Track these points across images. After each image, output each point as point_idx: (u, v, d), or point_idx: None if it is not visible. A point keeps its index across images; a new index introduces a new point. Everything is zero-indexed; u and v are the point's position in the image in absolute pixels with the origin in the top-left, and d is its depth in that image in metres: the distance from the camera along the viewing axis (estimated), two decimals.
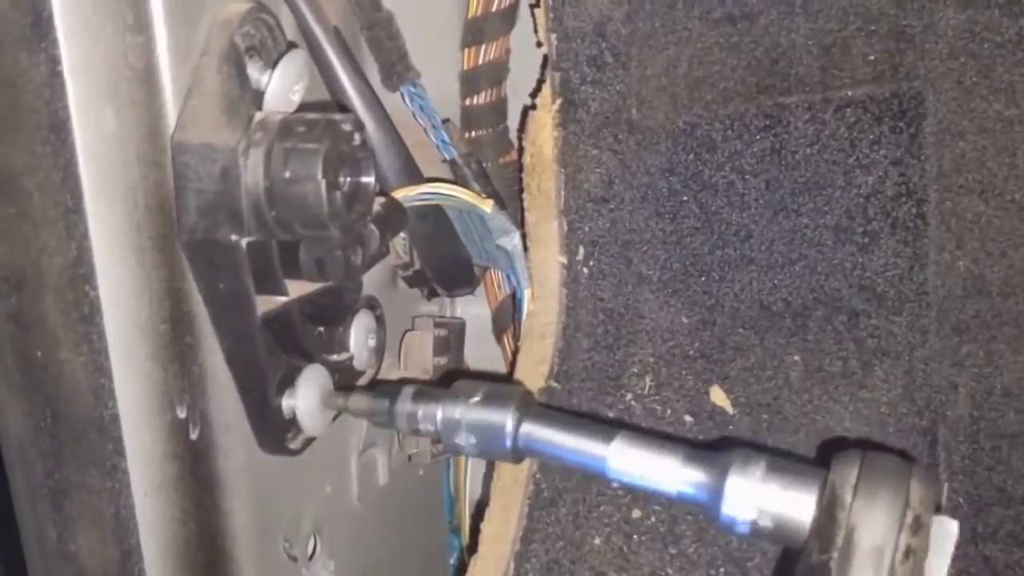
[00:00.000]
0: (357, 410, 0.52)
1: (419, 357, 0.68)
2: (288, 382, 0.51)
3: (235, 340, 0.47)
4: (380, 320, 0.61)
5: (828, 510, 0.40)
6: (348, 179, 0.44)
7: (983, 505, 0.69)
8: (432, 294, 0.71)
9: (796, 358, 0.69)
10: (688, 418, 0.68)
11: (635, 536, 0.63)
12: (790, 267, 0.69)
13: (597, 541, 0.62)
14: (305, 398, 0.51)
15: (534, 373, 0.65)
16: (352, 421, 0.61)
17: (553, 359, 0.64)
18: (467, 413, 0.48)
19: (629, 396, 0.68)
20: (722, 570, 0.63)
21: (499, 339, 0.74)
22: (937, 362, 0.69)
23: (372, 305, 0.61)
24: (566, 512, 0.60)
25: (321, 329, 0.55)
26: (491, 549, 0.56)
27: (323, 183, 0.42)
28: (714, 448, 0.46)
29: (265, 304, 0.47)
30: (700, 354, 0.70)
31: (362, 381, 0.60)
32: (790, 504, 0.41)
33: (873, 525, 0.39)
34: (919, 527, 0.39)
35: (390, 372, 0.66)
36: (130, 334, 0.44)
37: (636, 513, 0.64)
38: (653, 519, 0.64)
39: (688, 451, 0.45)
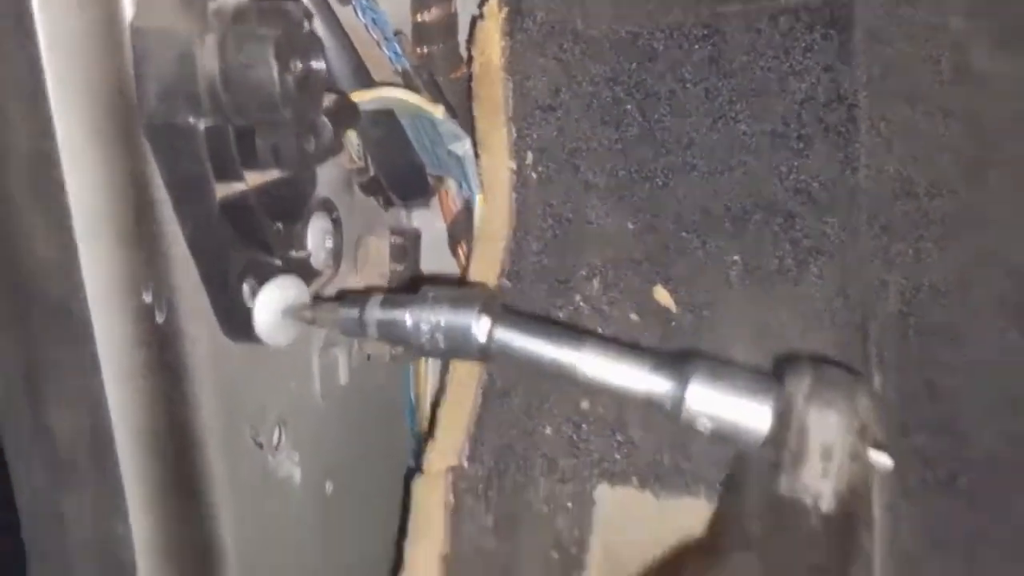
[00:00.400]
0: (327, 321, 0.53)
1: (377, 263, 0.70)
2: (250, 273, 0.53)
3: (196, 225, 0.49)
4: (337, 223, 0.64)
5: (782, 416, 0.44)
6: (299, 64, 0.47)
7: (912, 397, 0.74)
8: (388, 203, 0.73)
9: (735, 258, 0.72)
10: (634, 317, 0.71)
11: (584, 425, 0.66)
12: (729, 173, 0.73)
13: (548, 431, 0.65)
14: (270, 310, 0.53)
15: (486, 274, 0.68)
16: None
17: (504, 261, 0.67)
18: (436, 317, 0.50)
19: (578, 297, 0.71)
20: (667, 455, 0.67)
21: (454, 251, 0.77)
22: (868, 261, 0.73)
23: (328, 208, 0.63)
24: (519, 403, 0.64)
25: (280, 225, 0.57)
26: (447, 435, 0.59)
27: (275, 66, 0.44)
28: (675, 354, 0.49)
29: (224, 190, 0.49)
30: (645, 257, 0.73)
31: (321, 282, 0.62)
32: (747, 413, 0.45)
33: (825, 428, 0.43)
34: (865, 435, 0.43)
35: (347, 278, 0.68)
36: (95, 218, 0.46)
37: (585, 404, 0.67)
38: (601, 409, 0.67)
39: (653, 360, 0.48)
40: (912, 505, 0.71)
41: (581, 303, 0.71)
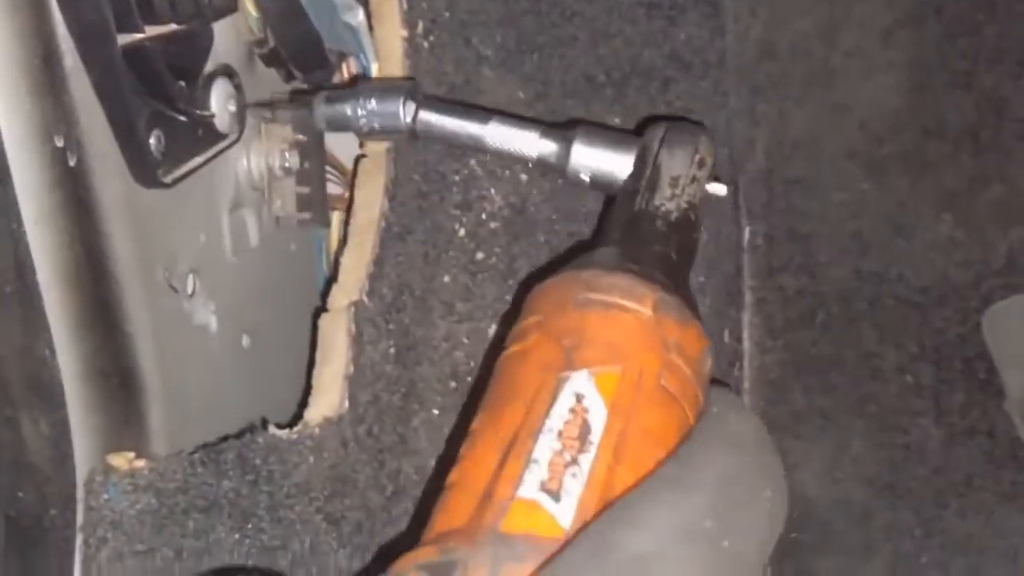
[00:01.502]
0: (282, 116, 0.66)
1: (281, 133, 0.74)
2: (156, 124, 0.58)
3: (101, 73, 0.53)
4: (239, 89, 0.68)
5: (641, 159, 0.56)
6: None
7: (776, 243, 0.81)
8: (289, 76, 0.77)
9: (616, 120, 0.78)
10: (524, 176, 0.77)
11: (479, 275, 0.73)
12: (610, 41, 0.78)
13: (446, 279, 0.71)
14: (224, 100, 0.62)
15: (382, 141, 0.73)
16: (219, 176, 0.68)
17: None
18: (370, 105, 0.62)
19: (472, 161, 0.76)
20: None
21: None
22: (737, 120, 0.80)
23: (230, 73, 0.67)
24: (415, 249, 0.69)
25: (183, 83, 0.61)
26: (348, 275, 0.64)
27: None
28: (561, 123, 0.62)
29: (125, 39, 0.53)
30: None
31: (225, 145, 0.67)
32: (616, 161, 0.58)
33: (673, 161, 0.55)
34: (703, 164, 0.56)
35: (251, 144, 0.72)
36: (4, 68, 0.50)
37: (479, 255, 0.73)
38: (494, 259, 0.73)
39: (543, 128, 0.61)
40: (776, 340, 0.80)
41: (475, 166, 0.76)
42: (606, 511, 0.37)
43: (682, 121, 0.59)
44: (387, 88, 0.62)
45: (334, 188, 0.83)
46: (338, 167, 0.84)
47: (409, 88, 0.63)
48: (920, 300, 0.78)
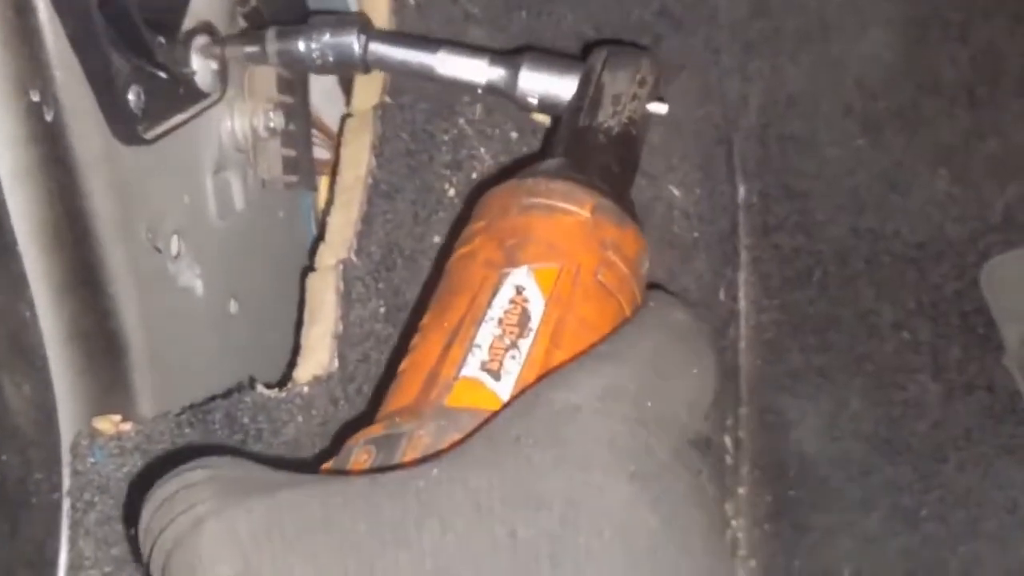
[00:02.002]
0: (234, 54, 0.64)
1: (264, 93, 0.73)
2: (135, 80, 0.56)
3: (76, 24, 0.51)
4: (221, 47, 0.66)
5: (585, 80, 0.57)
6: None
7: (771, 201, 0.81)
8: None
9: None
10: (514, 135, 0.76)
11: None
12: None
13: (436, 239, 0.70)
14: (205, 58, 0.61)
15: (369, 98, 0.71)
16: (202, 137, 0.66)
17: (386, 79, 0.71)
18: (324, 38, 0.62)
19: (461, 120, 0.75)
20: None
21: (345, 89, 0.80)
22: (729, 77, 0.79)
23: (211, 31, 0.65)
24: (404, 208, 0.68)
25: (162, 39, 0.60)
26: (336, 234, 0.63)
27: None
28: (508, 50, 0.63)
29: None
30: None
31: (207, 104, 0.65)
32: (561, 84, 0.59)
33: (614, 81, 0.56)
34: (644, 83, 0.57)
35: (235, 105, 0.71)
36: None
37: None
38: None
39: (492, 54, 0.62)
40: (772, 299, 0.79)
41: (464, 125, 0.75)
42: (540, 380, 0.39)
43: (626, 46, 0.60)
44: (340, 21, 0.62)
45: (321, 152, 0.81)
46: (324, 130, 0.83)
47: (362, 21, 0.63)
48: (917, 256, 0.78)
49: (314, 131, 0.80)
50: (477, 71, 0.61)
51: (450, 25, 0.75)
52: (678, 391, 0.39)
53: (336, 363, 0.58)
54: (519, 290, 0.43)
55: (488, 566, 0.32)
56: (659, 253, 0.73)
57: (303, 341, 0.60)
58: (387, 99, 0.70)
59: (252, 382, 0.58)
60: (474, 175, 0.72)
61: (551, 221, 0.47)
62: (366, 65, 0.63)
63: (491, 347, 0.41)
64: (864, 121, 0.78)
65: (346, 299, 0.59)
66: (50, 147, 0.53)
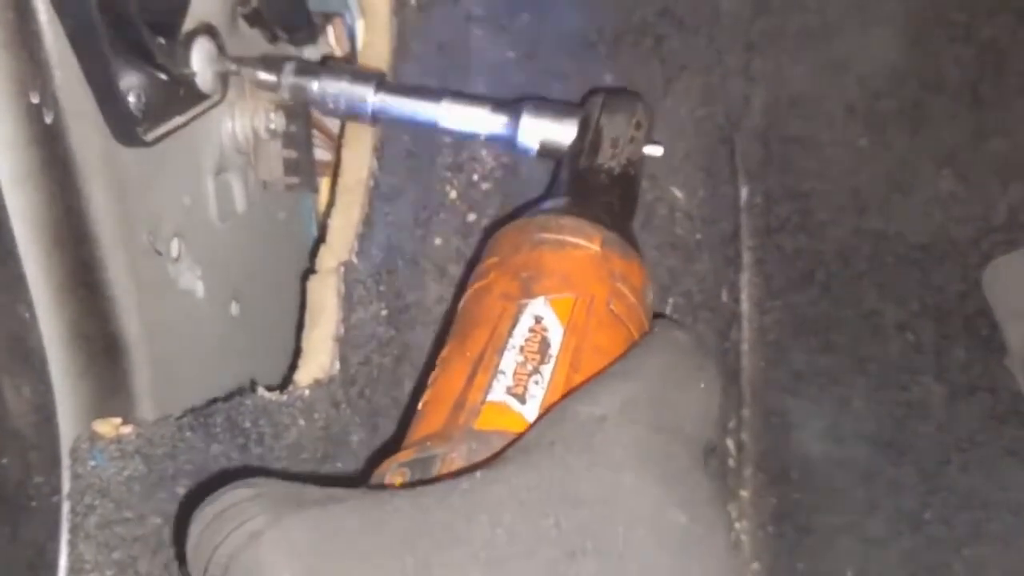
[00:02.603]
0: (248, 75, 0.65)
1: (267, 97, 0.73)
2: (135, 81, 0.56)
3: (76, 26, 0.51)
4: (222, 49, 0.66)
5: (584, 125, 0.60)
6: None
7: (774, 201, 0.80)
8: (273, 37, 0.75)
9: (608, 78, 0.77)
10: None
11: (470, 238, 0.71)
12: None
13: (437, 241, 0.70)
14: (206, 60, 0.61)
15: None
16: (203, 138, 0.66)
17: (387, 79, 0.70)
18: (338, 84, 0.64)
19: None
20: None
21: None
22: (732, 77, 0.78)
23: (212, 33, 0.65)
24: (406, 210, 0.68)
25: (162, 40, 0.59)
26: (337, 236, 0.63)
27: None
28: (508, 100, 0.64)
29: None
30: (526, 83, 0.77)
31: (208, 105, 0.65)
32: (560, 130, 0.61)
33: (612, 125, 0.59)
34: (640, 127, 0.60)
35: (236, 105, 0.71)
36: None
37: (471, 217, 0.72)
38: (486, 221, 0.72)
39: (493, 103, 0.63)
40: (775, 300, 0.78)
41: None
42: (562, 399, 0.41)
43: (621, 91, 0.64)
44: (358, 74, 0.64)
45: (322, 154, 0.81)
46: (325, 132, 0.82)
47: (379, 78, 0.64)
48: (920, 257, 0.77)
49: (315, 132, 0.79)
50: (479, 122, 0.63)
51: (450, 24, 0.75)
52: (688, 404, 0.42)
53: (337, 366, 0.58)
54: (538, 319, 0.45)
55: (538, 555, 0.34)
56: (662, 255, 0.73)
57: (304, 344, 0.59)
58: None
59: (253, 385, 0.58)
60: (475, 177, 0.72)
61: (563, 255, 0.49)
62: (374, 118, 0.64)
63: (515, 373, 0.43)
64: (867, 121, 0.78)
65: (347, 302, 0.59)
66: (50, 149, 0.52)
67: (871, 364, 0.76)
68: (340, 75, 0.63)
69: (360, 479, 0.43)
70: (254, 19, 0.72)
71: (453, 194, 0.72)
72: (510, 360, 0.43)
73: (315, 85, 0.63)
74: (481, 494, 0.35)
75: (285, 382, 0.59)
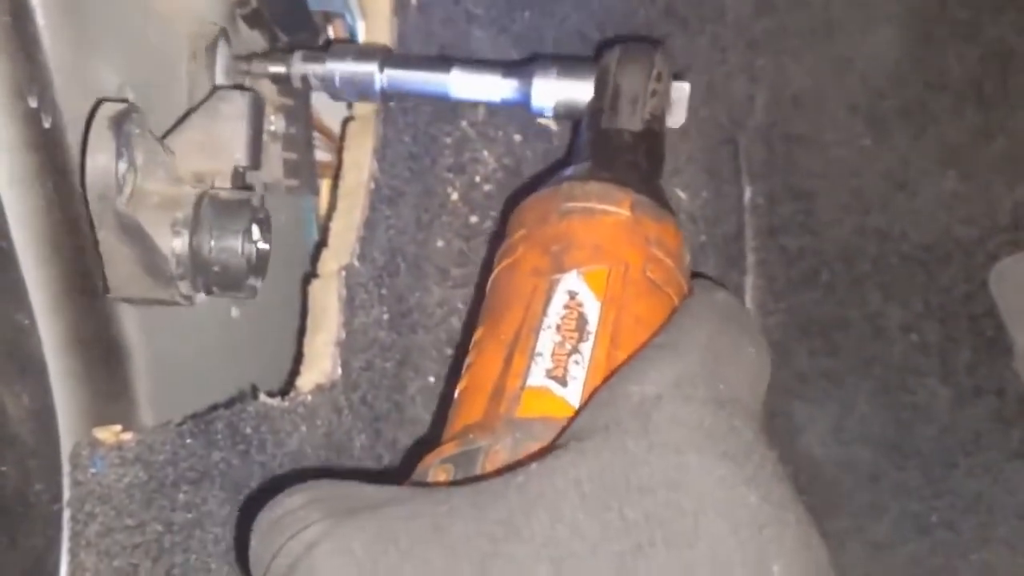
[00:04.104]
0: (259, 72, 0.64)
1: (264, 90, 0.72)
2: None
3: None
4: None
5: (601, 82, 0.57)
6: None
7: (777, 201, 0.80)
8: (274, 38, 0.75)
9: None
10: (517, 137, 0.75)
11: (473, 239, 0.71)
12: None
13: (439, 243, 0.70)
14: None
15: None
16: None
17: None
18: (345, 66, 0.64)
19: (464, 123, 0.74)
20: None
21: None
22: (735, 76, 0.78)
23: (227, 38, 0.65)
24: (407, 213, 0.67)
25: None
26: (338, 239, 0.62)
27: None
28: (518, 61, 0.64)
29: None
30: None
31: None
32: (576, 89, 0.59)
33: (631, 80, 0.56)
34: (660, 78, 0.57)
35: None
36: None
37: (473, 219, 0.71)
38: (489, 223, 0.72)
39: (503, 67, 0.62)
40: (779, 301, 0.78)
41: (467, 127, 0.74)
42: (610, 378, 0.39)
43: (636, 41, 0.60)
44: (363, 51, 0.63)
45: (322, 155, 0.81)
46: (326, 133, 0.82)
47: (384, 53, 0.64)
48: (925, 258, 0.77)
49: (316, 134, 0.79)
50: (491, 88, 0.61)
51: (451, 24, 0.74)
52: (741, 372, 0.40)
53: (339, 371, 0.58)
54: (572, 295, 0.43)
55: (603, 550, 0.32)
56: None
57: (306, 349, 0.59)
58: (391, 104, 0.70)
59: (255, 391, 0.57)
60: (477, 178, 0.71)
61: (593, 223, 0.46)
62: (384, 95, 0.64)
63: (553, 354, 0.41)
64: (871, 120, 0.77)
65: (349, 305, 0.59)
66: (48, 154, 0.52)
67: (876, 366, 0.76)
68: (345, 55, 0.63)
69: (401, 473, 0.42)
70: (254, 20, 0.72)
71: (455, 196, 0.71)
72: (547, 340, 0.41)
73: (323, 70, 0.63)
74: (539, 488, 0.33)
75: (287, 387, 0.59)
